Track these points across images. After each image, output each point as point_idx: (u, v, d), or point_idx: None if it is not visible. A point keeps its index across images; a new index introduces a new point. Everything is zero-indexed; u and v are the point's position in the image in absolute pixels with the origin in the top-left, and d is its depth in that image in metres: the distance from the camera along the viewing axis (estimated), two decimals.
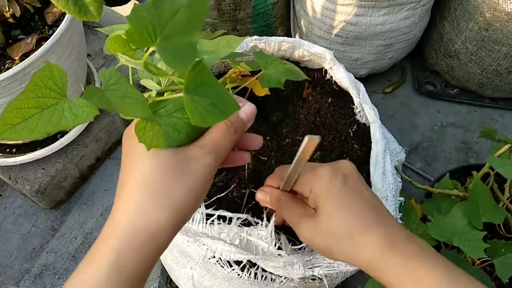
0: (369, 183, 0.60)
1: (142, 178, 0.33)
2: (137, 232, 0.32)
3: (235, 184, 0.60)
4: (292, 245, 0.54)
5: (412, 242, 0.38)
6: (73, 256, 1.03)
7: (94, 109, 0.32)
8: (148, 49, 0.34)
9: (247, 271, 0.54)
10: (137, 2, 1.26)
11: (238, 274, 0.54)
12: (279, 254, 0.51)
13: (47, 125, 0.32)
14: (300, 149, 0.40)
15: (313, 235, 0.41)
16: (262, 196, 0.46)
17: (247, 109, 0.38)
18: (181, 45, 0.34)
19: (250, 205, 0.58)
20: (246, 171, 0.60)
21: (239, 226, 0.53)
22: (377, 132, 0.62)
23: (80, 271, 0.32)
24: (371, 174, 0.58)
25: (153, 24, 0.32)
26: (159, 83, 0.42)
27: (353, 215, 0.39)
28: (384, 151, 0.61)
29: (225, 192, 0.59)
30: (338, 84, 0.71)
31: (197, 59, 0.33)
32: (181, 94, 0.33)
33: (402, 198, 0.61)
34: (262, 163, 0.62)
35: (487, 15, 1.06)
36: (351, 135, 0.67)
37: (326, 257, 0.42)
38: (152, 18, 0.32)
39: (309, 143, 0.39)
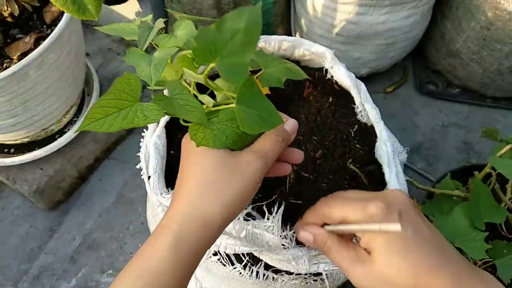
0: (372, 183, 0.60)
1: (200, 175, 0.39)
2: (193, 220, 0.37)
3: (276, 196, 0.58)
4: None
5: (478, 277, 0.37)
6: (72, 257, 1.02)
7: (161, 112, 0.41)
8: (208, 65, 0.41)
9: (249, 269, 0.54)
10: (136, 1, 1.26)
11: (240, 273, 0.54)
12: (284, 246, 0.50)
13: (123, 122, 0.40)
14: (379, 227, 0.37)
15: (369, 283, 0.38)
16: (306, 238, 0.44)
17: (291, 123, 0.44)
18: (236, 63, 0.40)
19: (256, 198, 0.57)
20: (287, 184, 0.59)
21: (245, 219, 0.53)
22: (383, 132, 0.62)
23: (145, 250, 0.38)
24: (386, 175, 0.57)
25: (215, 45, 0.39)
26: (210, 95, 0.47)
27: (415, 262, 0.36)
28: (393, 151, 0.60)
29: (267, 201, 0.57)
30: (339, 83, 0.70)
31: (248, 77, 0.40)
32: (232, 106, 0.40)
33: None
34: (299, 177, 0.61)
35: (489, 14, 1.05)
36: (353, 134, 0.66)
37: None
38: (214, 40, 0.39)
39: (391, 229, 0.36)
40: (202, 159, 0.40)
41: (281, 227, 0.51)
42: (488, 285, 0.36)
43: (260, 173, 0.40)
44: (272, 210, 0.53)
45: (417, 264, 0.36)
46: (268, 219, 0.51)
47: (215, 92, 0.47)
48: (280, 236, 0.51)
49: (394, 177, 0.56)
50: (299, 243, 0.52)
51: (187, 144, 0.42)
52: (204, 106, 0.43)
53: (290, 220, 0.54)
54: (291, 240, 0.51)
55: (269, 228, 0.51)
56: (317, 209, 0.44)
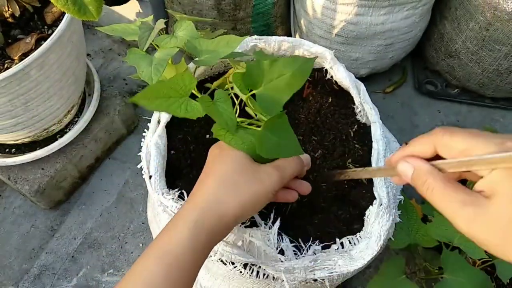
0: (371, 182, 0.60)
1: (222, 174, 0.44)
2: (211, 210, 0.42)
3: (274, 214, 0.58)
4: (293, 246, 0.53)
5: None
6: (73, 257, 1.02)
7: (201, 111, 0.47)
8: (251, 90, 0.49)
9: (249, 269, 0.54)
10: (136, 2, 1.26)
11: (240, 272, 0.54)
12: (280, 260, 0.51)
13: (167, 108, 0.46)
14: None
15: (484, 230, 0.31)
16: (406, 169, 0.37)
17: (307, 156, 0.51)
18: (274, 98, 0.47)
19: None
20: (288, 209, 0.59)
21: (242, 227, 0.53)
22: (377, 131, 0.62)
23: (165, 234, 0.41)
24: None
25: (263, 77, 0.48)
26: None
27: None
28: (385, 150, 0.60)
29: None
30: (339, 83, 0.71)
31: (281, 111, 0.47)
32: (259, 129, 0.48)
33: (401, 197, 0.61)
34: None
35: (488, 15, 1.05)
36: (352, 135, 0.66)
37: (499, 256, 0.33)
38: (263, 72, 0.48)
39: None
40: (227, 161, 0.45)
41: (277, 239, 0.52)
42: None
43: (276, 185, 0.44)
44: (268, 220, 0.53)
45: None
46: (264, 227, 0.52)
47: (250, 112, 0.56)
48: (276, 249, 0.51)
49: (381, 178, 0.57)
50: (296, 253, 0.53)
51: (214, 150, 0.48)
52: (240, 119, 0.50)
53: (289, 225, 0.55)
54: (288, 250, 0.52)
55: (265, 238, 0.51)
56: (431, 137, 0.36)
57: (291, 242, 0.54)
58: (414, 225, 0.72)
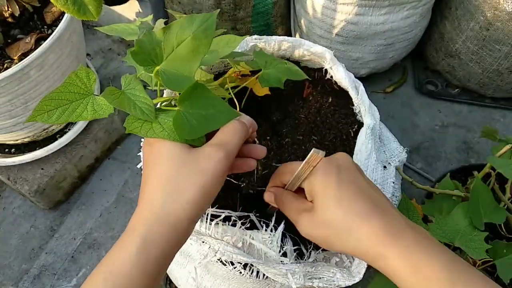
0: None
1: (161, 176, 0.38)
2: (160, 221, 0.37)
3: (244, 185, 0.59)
4: (296, 250, 0.53)
5: (411, 230, 0.38)
6: (72, 257, 1.02)
7: (110, 108, 0.40)
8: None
9: (249, 269, 0.54)
10: (136, 2, 1.26)
11: (240, 272, 0.54)
12: (282, 262, 0.51)
13: (71, 115, 0.40)
14: (305, 160, 0.41)
15: (311, 228, 0.41)
16: (268, 197, 0.49)
17: (247, 117, 0.44)
18: (179, 73, 0.40)
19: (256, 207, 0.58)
20: (255, 175, 0.60)
21: (243, 229, 0.53)
22: (362, 137, 0.61)
23: (112, 254, 0.37)
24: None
25: (159, 49, 0.40)
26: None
27: (349, 206, 0.39)
28: (367, 160, 0.60)
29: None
30: (338, 84, 0.71)
31: (193, 83, 0.39)
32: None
33: (399, 194, 0.60)
34: (268, 166, 0.62)
35: (488, 15, 1.05)
36: (352, 134, 0.66)
37: (327, 248, 0.42)
38: (158, 44, 0.40)
39: (313, 156, 0.40)
40: (161, 159, 0.39)
41: (281, 242, 0.52)
42: (421, 236, 0.38)
43: (223, 165, 0.39)
44: (269, 221, 0.53)
45: (350, 208, 0.39)
46: (266, 230, 0.52)
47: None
48: (279, 252, 0.51)
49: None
50: (297, 258, 0.53)
51: (147, 146, 0.42)
52: (156, 101, 0.43)
53: (292, 228, 0.55)
54: (291, 253, 0.52)
55: (266, 241, 0.51)
56: (278, 172, 0.49)
57: (294, 245, 0.54)
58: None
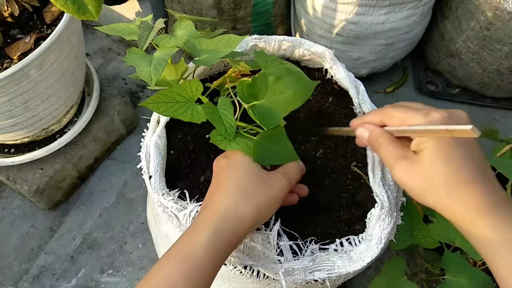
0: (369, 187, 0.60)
1: (237, 182, 0.47)
2: (231, 215, 0.44)
3: None
4: (296, 245, 0.53)
5: (509, 205, 0.39)
6: (72, 257, 1.02)
7: (204, 117, 0.50)
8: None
9: (250, 269, 0.54)
10: (136, 1, 1.26)
11: (241, 272, 0.54)
12: (279, 261, 0.51)
13: (174, 112, 0.50)
14: (449, 127, 0.38)
15: (408, 177, 0.42)
16: (361, 133, 0.48)
17: (301, 163, 0.53)
18: (273, 111, 0.51)
19: None
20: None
21: None
22: None
23: (185, 240, 0.44)
24: (370, 180, 0.57)
25: (266, 90, 0.51)
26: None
27: (456, 167, 0.39)
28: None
29: None
30: (338, 83, 0.70)
31: (277, 124, 0.51)
32: (255, 138, 0.51)
33: (404, 198, 0.60)
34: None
35: (489, 14, 1.05)
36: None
37: (414, 198, 0.42)
38: (267, 86, 0.51)
39: (467, 132, 0.36)
40: (237, 169, 0.48)
41: (277, 241, 0.52)
42: None
43: (286, 189, 0.48)
44: (270, 221, 0.53)
45: (457, 170, 0.39)
46: (265, 230, 0.52)
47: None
48: (276, 251, 0.51)
49: (378, 182, 0.56)
50: (295, 254, 0.53)
51: (220, 161, 0.50)
52: (239, 123, 0.53)
53: (291, 225, 0.54)
54: (287, 251, 0.52)
55: (264, 242, 0.51)
56: (379, 110, 0.47)
57: (291, 240, 0.53)
58: (416, 226, 0.72)
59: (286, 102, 0.51)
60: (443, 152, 0.40)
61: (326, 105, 0.69)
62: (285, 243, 0.52)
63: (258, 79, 0.51)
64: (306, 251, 0.53)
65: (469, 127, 0.36)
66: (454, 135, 0.38)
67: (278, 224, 0.52)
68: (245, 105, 0.52)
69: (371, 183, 0.57)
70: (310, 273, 0.50)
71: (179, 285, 0.40)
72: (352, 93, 0.66)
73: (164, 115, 0.51)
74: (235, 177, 0.47)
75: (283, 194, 0.47)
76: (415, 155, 0.42)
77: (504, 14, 1.02)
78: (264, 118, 0.50)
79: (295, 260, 0.51)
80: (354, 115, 0.68)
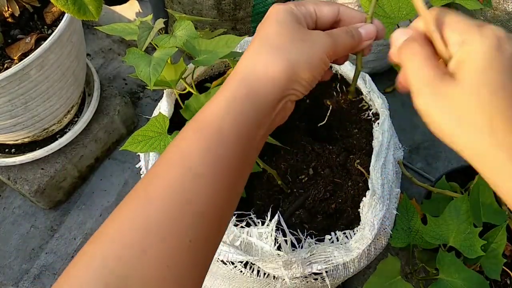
0: (368, 171, 0.60)
1: (267, 37, 0.37)
2: (251, 72, 0.36)
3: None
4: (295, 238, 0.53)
5: None
6: (73, 257, 1.02)
7: None
8: None
9: (250, 268, 0.54)
10: (136, 2, 1.26)
11: (241, 271, 0.54)
12: (278, 254, 0.51)
13: (150, 147, 0.55)
14: None
15: (438, 106, 0.32)
16: (398, 35, 0.37)
17: (368, 27, 0.40)
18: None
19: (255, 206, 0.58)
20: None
21: (241, 227, 0.53)
22: (386, 122, 0.62)
23: (205, 107, 0.36)
24: (371, 163, 0.57)
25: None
26: None
27: (506, 99, 0.29)
28: (389, 143, 0.60)
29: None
30: (344, 77, 0.71)
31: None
32: None
33: (398, 190, 0.61)
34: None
35: (488, 15, 1.05)
36: (358, 128, 0.67)
37: (440, 135, 0.33)
38: (202, 105, 0.42)
39: None
40: (273, 24, 0.37)
41: (274, 235, 0.52)
42: None
43: (330, 49, 0.37)
44: (266, 217, 0.53)
45: (507, 107, 0.29)
46: (261, 225, 0.52)
47: None
48: (274, 245, 0.51)
49: (378, 168, 0.56)
50: (294, 246, 0.53)
51: (268, 13, 0.39)
52: None
53: (289, 225, 0.55)
54: (284, 248, 0.52)
55: (262, 236, 0.51)
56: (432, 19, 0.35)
57: (291, 234, 0.54)
58: (414, 225, 0.72)
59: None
60: (494, 77, 0.29)
61: (331, 99, 0.69)
62: (284, 238, 0.53)
63: (190, 103, 0.52)
64: (303, 244, 0.54)
65: None
66: None
67: (275, 218, 0.52)
68: None
69: (371, 167, 0.57)
70: (308, 265, 0.51)
71: (197, 158, 0.33)
72: (360, 84, 0.67)
73: (142, 152, 0.54)
74: (268, 31, 0.37)
75: (327, 53, 0.37)
76: (453, 78, 0.31)
77: (503, 14, 1.02)
78: None
79: (293, 252, 0.52)
80: (359, 109, 0.68)
